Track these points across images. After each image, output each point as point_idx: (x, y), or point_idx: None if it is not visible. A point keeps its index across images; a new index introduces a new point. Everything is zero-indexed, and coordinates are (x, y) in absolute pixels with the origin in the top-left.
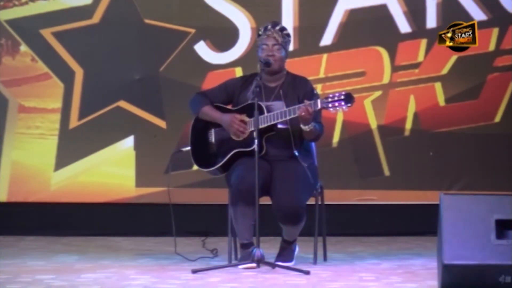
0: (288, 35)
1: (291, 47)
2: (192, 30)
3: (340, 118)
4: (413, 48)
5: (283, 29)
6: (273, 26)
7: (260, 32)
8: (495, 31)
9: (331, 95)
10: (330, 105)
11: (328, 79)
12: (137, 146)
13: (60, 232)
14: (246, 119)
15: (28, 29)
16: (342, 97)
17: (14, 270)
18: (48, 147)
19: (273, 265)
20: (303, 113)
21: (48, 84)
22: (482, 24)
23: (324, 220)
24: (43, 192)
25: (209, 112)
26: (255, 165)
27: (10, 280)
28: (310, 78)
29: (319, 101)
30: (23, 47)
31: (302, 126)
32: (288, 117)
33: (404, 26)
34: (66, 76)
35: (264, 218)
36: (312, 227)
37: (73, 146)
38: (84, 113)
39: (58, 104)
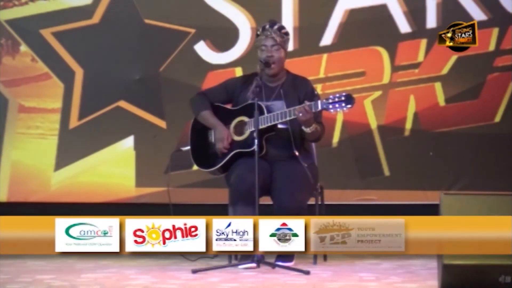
0: (287, 33)
1: (291, 47)
2: (192, 30)
3: (340, 118)
4: (413, 48)
5: (281, 28)
6: (271, 26)
7: (258, 33)
8: (495, 31)
9: (331, 96)
10: (330, 106)
11: (328, 79)
12: (137, 146)
13: None
14: (246, 119)
15: (28, 29)
16: (343, 98)
17: (14, 270)
18: (48, 147)
19: (273, 265)
20: (300, 114)
21: (48, 84)
22: (482, 24)
23: None
24: (43, 192)
25: (207, 118)
26: (255, 165)
27: (10, 280)
28: (310, 78)
29: (319, 102)
30: (23, 47)
31: (303, 128)
32: (288, 118)
33: (404, 26)
34: (66, 76)
35: None
36: None
37: (73, 146)
38: (84, 113)
39: (58, 104)
